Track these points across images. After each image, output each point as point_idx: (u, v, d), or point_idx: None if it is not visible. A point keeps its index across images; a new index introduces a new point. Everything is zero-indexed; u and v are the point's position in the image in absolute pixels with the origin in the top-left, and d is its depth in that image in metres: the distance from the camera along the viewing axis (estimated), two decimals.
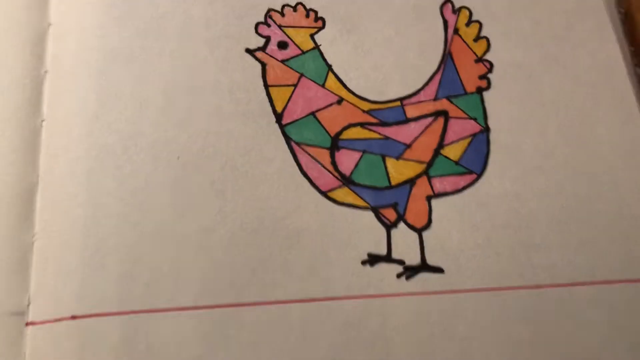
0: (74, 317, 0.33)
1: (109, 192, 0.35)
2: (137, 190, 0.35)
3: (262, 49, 0.39)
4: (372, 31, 0.41)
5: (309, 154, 0.38)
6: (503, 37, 0.42)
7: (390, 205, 0.37)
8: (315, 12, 0.41)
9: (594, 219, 0.38)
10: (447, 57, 0.41)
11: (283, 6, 0.41)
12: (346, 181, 0.37)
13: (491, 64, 0.41)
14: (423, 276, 0.36)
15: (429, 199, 0.37)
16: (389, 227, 0.36)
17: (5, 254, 0.33)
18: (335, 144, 0.38)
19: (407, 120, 0.39)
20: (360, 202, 0.37)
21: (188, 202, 0.35)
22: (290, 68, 0.39)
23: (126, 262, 0.34)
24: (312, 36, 0.40)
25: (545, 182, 0.38)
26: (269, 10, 0.40)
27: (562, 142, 0.39)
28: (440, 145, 0.39)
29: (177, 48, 0.38)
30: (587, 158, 0.39)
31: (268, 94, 0.38)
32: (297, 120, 0.38)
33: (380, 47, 0.41)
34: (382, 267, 0.35)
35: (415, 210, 0.37)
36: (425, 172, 0.38)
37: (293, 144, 0.38)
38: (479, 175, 0.38)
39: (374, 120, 0.39)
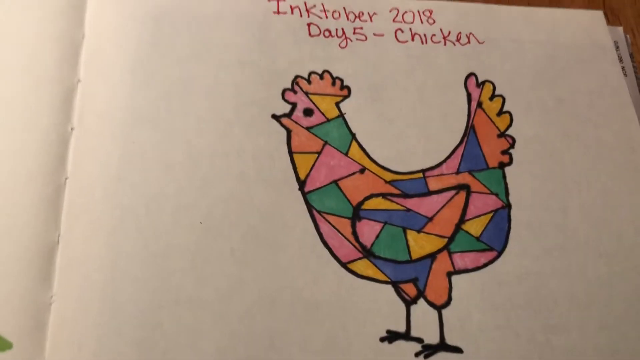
0: None
1: (129, 255, 0.34)
2: (158, 255, 0.35)
3: (288, 115, 0.40)
4: (396, 101, 0.41)
5: (330, 223, 0.37)
6: (526, 113, 0.42)
7: (410, 280, 0.37)
8: (341, 80, 0.41)
9: (616, 301, 0.37)
10: (470, 130, 0.41)
11: (310, 73, 0.41)
12: (367, 253, 0.37)
13: (513, 139, 0.41)
14: (442, 356, 0.35)
15: (449, 275, 0.37)
16: (408, 303, 0.36)
17: (22, 314, 0.33)
18: (356, 214, 0.38)
19: (429, 193, 0.39)
20: (381, 276, 0.37)
21: (208, 268, 0.35)
22: (315, 135, 0.39)
23: (144, 328, 0.33)
24: (337, 104, 0.40)
25: (567, 262, 0.38)
26: (296, 77, 0.41)
27: (584, 221, 0.39)
28: (462, 220, 0.38)
29: (203, 111, 0.39)
30: (609, 239, 0.39)
31: (292, 161, 0.38)
32: (319, 188, 0.38)
33: (404, 117, 0.41)
34: (401, 344, 0.35)
35: (435, 286, 0.37)
36: (446, 247, 0.38)
37: (315, 212, 0.37)
38: (500, 253, 0.38)
39: (396, 191, 0.39)
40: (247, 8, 0.42)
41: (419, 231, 0.38)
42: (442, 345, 0.35)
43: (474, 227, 0.38)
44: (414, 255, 0.37)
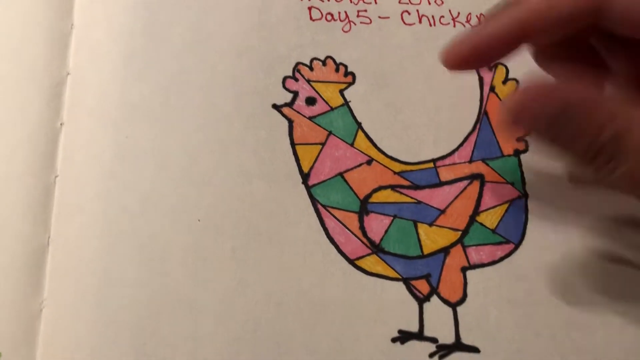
0: None
1: (124, 257, 0.33)
2: (154, 256, 0.33)
3: (290, 104, 0.37)
4: (404, 88, 0.39)
5: (337, 218, 0.35)
6: None
7: (422, 276, 0.35)
8: (345, 67, 0.39)
9: None
10: (483, 116, 0.39)
11: (312, 60, 0.39)
12: (375, 248, 0.35)
13: None
14: (457, 356, 0.33)
15: (464, 270, 0.35)
16: (421, 300, 0.34)
17: (11, 322, 0.31)
18: (364, 208, 0.36)
19: (440, 184, 0.37)
20: (391, 273, 0.35)
21: (208, 270, 0.33)
22: (318, 125, 0.37)
23: (140, 335, 0.32)
24: (341, 92, 0.38)
25: (589, 255, 0.36)
26: (297, 63, 0.38)
27: (605, 211, 0.37)
28: (476, 211, 0.36)
29: (200, 104, 0.37)
30: (634, 229, 0.36)
31: (294, 153, 0.36)
32: (324, 181, 0.36)
33: (412, 105, 0.39)
34: (414, 345, 0.33)
35: (449, 282, 0.35)
36: (460, 241, 0.36)
37: (320, 206, 0.35)
38: (517, 245, 0.36)
39: (405, 183, 0.37)
40: None
41: (430, 224, 0.36)
42: (458, 345, 0.33)
43: (489, 218, 0.36)
44: (426, 250, 0.35)
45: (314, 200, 0.36)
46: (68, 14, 0.38)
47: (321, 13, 0.40)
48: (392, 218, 0.36)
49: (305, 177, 0.36)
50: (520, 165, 0.38)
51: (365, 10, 0.41)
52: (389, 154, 0.37)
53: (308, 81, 0.38)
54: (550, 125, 0.24)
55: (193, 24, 0.38)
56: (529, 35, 0.27)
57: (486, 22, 0.28)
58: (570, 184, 0.37)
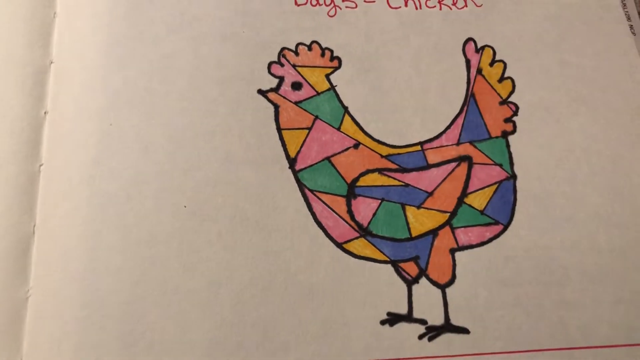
0: None
1: (110, 244, 0.32)
2: (140, 243, 0.33)
3: (275, 89, 0.37)
4: (390, 71, 0.39)
5: (324, 202, 0.35)
6: (529, 78, 0.40)
7: (411, 258, 0.34)
8: (331, 51, 0.39)
9: (631, 274, 0.35)
10: (470, 98, 0.38)
11: (297, 45, 0.38)
12: (363, 232, 0.35)
13: (517, 106, 0.39)
14: (447, 337, 0.33)
15: (452, 251, 0.35)
16: (410, 282, 0.34)
17: None
18: (351, 192, 0.35)
19: (428, 166, 0.37)
20: (379, 255, 0.34)
21: (194, 254, 0.33)
22: (305, 110, 0.37)
23: (127, 320, 0.31)
24: (327, 76, 0.38)
25: (577, 234, 0.36)
26: (283, 49, 0.38)
27: (594, 191, 0.37)
28: (464, 193, 0.36)
29: (184, 90, 0.36)
30: (622, 208, 0.36)
31: (281, 138, 0.36)
32: (311, 165, 0.36)
33: (399, 88, 0.38)
34: (403, 327, 0.33)
35: (438, 264, 0.34)
36: (449, 223, 0.35)
37: (307, 191, 0.35)
38: (506, 226, 0.36)
39: (392, 166, 0.36)
40: None
41: (418, 207, 0.35)
42: (447, 326, 0.33)
43: (478, 200, 0.36)
44: (414, 232, 0.35)
45: (301, 185, 0.35)
46: (51, 3, 0.38)
47: None
48: (379, 201, 0.35)
49: (292, 161, 0.36)
50: (508, 146, 0.38)
51: None
52: (376, 137, 0.37)
53: (294, 66, 0.38)
54: None
55: (176, 10, 0.38)
56: None
57: None
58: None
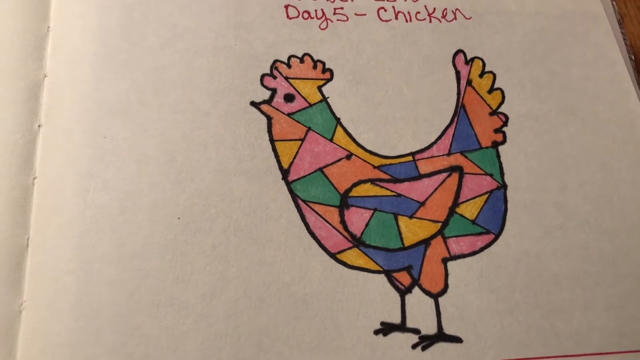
0: None
1: (104, 256, 0.32)
2: (134, 255, 0.33)
3: (268, 101, 0.38)
4: (382, 83, 0.39)
5: (317, 213, 0.35)
6: (518, 89, 0.40)
7: (403, 268, 0.35)
8: (323, 64, 0.39)
9: (621, 281, 0.35)
10: (461, 109, 0.39)
11: (289, 57, 0.39)
12: (357, 242, 0.35)
13: (506, 117, 0.39)
14: (440, 346, 0.33)
15: (445, 261, 0.35)
16: (403, 292, 0.34)
17: None
18: (344, 202, 0.36)
19: (420, 176, 0.37)
20: (372, 265, 0.35)
21: (188, 266, 0.33)
22: (297, 122, 0.37)
23: (121, 333, 0.31)
24: (319, 88, 0.38)
25: (567, 242, 0.36)
26: (275, 61, 0.39)
27: (584, 199, 0.37)
28: (456, 203, 0.37)
29: (177, 102, 0.36)
30: (611, 216, 0.37)
31: (274, 149, 0.36)
32: (304, 176, 0.36)
33: (390, 99, 0.39)
34: (397, 336, 0.33)
35: (430, 273, 0.35)
36: (441, 232, 0.36)
37: (300, 201, 0.35)
38: (497, 236, 0.36)
39: (385, 177, 0.37)
40: None
41: (410, 217, 0.36)
42: (440, 335, 0.33)
43: (469, 209, 0.36)
44: (407, 242, 0.35)
45: (294, 196, 0.36)
46: (45, 17, 0.38)
47: (298, 11, 0.41)
48: (372, 211, 0.36)
49: (285, 172, 0.36)
50: (498, 156, 0.38)
51: (342, 8, 0.41)
52: (368, 148, 0.37)
53: (286, 78, 0.38)
54: None
55: (168, 23, 0.38)
56: None
57: None
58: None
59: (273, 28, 0.40)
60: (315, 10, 0.41)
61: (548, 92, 0.40)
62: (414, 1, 0.42)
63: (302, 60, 0.39)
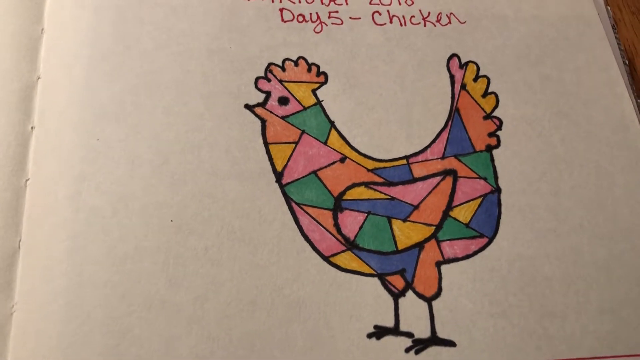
0: None
1: (96, 259, 0.32)
2: (126, 257, 0.33)
3: (262, 104, 0.37)
4: (376, 87, 0.39)
5: (311, 216, 0.35)
6: (512, 93, 0.40)
7: (397, 271, 0.35)
8: (317, 67, 0.39)
9: (615, 285, 0.35)
10: (455, 113, 0.39)
11: (284, 60, 0.39)
12: (350, 245, 0.35)
13: (500, 121, 0.39)
14: (434, 350, 0.33)
15: (438, 264, 0.35)
16: (396, 295, 0.34)
17: None
18: (338, 205, 0.36)
19: (413, 180, 0.37)
20: (366, 269, 0.34)
21: (181, 269, 0.33)
22: (291, 124, 0.37)
23: (113, 336, 0.31)
24: (314, 91, 0.38)
25: (561, 246, 0.36)
26: (270, 64, 0.39)
27: (577, 203, 0.37)
28: (449, 206, 0.37)
29: (171, 104, 0.36)
30: (605, 220, 0.37)
31: (268, 152, 0.36)
32: (298, 179, 0.36)
33: (384, 103, 0.39)
34: (390, 340, 0.33)
35: (424, 277, 0.35)
36: (434, 236, 0.36)
37: (294, 204, 0.35)
38: (491, 239, 0.36)
39: (379, 180, 0.37)
40: None
41: (404, 220, 0.36)
42: (434, 339, 0.33)
43: (463, 213, 0.36)
44: (400, 246, 0.35)
45: (287, 199, 0.36)
46: (38, 19, 0.38)
47: (292, 14, 0.41)
48: (366, 214, 0.36)
49: (278, 175, 0.36)
50: (492, 160, 0.38)
51: (337, 12, 0.41)
52: (362, 151, 0.37)
53: (280, 81, 0.38)
54: None
55: (163, 25, 0.38)
56: None
57: None
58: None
59: (267, 31, 0.40)
60: (310, 14, 0.41)
61: (542, 96, 0.40)
62: (409, 5, 0.42)
63: (296, 63, 0.39)
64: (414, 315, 0.34)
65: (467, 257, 0.35)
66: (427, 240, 0.35)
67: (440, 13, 0.42)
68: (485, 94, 0.40)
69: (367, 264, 0.35)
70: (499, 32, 0.42)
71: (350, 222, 0.35)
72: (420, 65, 0.40)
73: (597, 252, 0.36)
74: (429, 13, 0.42)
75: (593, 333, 0.34)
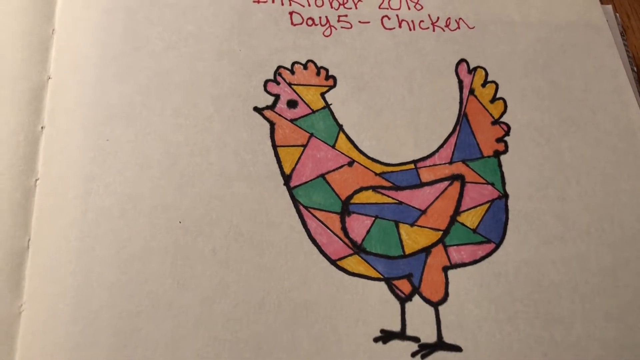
0: None
1: (104, 259, 0.32)
2: (134, 258, 0.33)
3: (271, 107, 0.38)
4: (384, 90, 0.39)
5: (318, 219, 0.35)
6: (520, 98, 0.40)
7: (404, 276, 0.35)
8: (326, 70, 0.39)
9: (621, 291, 0.35)
10: (463, 118, 0.39)
11: (293, 64, 0.39)
12: (357, 249, 0.35)
13: (508, 127, 0.39)
14: (440, 355, 0.33)
15: (445, 269, 0.35)
16: (403, 300, 0.34)
17: None
18: (345, 209, 0.36)
19: (421, 184, 0.37)
20: (373, 273, 0.35)
21: (188, 271, 0.33)
22: (300, 128, 0.37)
23: (120, 336, 0.31)
24: (322, 95, 0.39)
25: (568, 253, 0.36)
26: (279, 67, 0.39)
27: (584, 209, 0.37)
28: (457, 211, 0.37)
29: (180, 106, 0.37)
30: (612, 227, 0.37)
31: (276, 155, 0.36)
32: (306, 182, 0.36)
33: (392, 107, 0.39)
34: (396, 344, 0.33)
35: (431, 282, 0.35)
36: (441, 241, 0.36)
37: (301, 208, 0.35)
38: (498, 245, 0.36)
39: (386, 184, 0.37)
40: None
41: (412, 224, 0.36)
42: (440, 344, 0.33)
43: (470, 218, 0.36)
44: (408, 250, 0.35)
45: (295, 202, 0.36)
46: (49, 19, 0.38)
47: (302, 18, 0.41)
48: (373, 218, 0.36)
49: (287, 178, 0.36)
50: (500, 165, 0.38)
51: (346, 15, 0.41)
52: (370, 155, 0.37)
53: (289, 84, 0.39)
54: None
55: (172, 27, 0.39)
56: None
57: None
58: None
59: (277, 34, 0.40)
60: (320, 17, 0.41)
61: (550, 102, 0.40)
62: (418, 10, 0.42)
63: (305, 66, 0.39)
64: (420, 319, 0.34)
65: (474, 262, 0.35)
66: (434, 245, 0.36)
67: (449, 18, 0.42)
68: (494, 99, 0.40)
69: (374, 268, 0.35)
70: (507, 37, 0.42)
71: (358, 226, 0.35)
72: (428, 69, 0.40)
73: (603, 259, 0.36)
74: (438, 18, 0.42)
75: (599, 340, 0.34)
